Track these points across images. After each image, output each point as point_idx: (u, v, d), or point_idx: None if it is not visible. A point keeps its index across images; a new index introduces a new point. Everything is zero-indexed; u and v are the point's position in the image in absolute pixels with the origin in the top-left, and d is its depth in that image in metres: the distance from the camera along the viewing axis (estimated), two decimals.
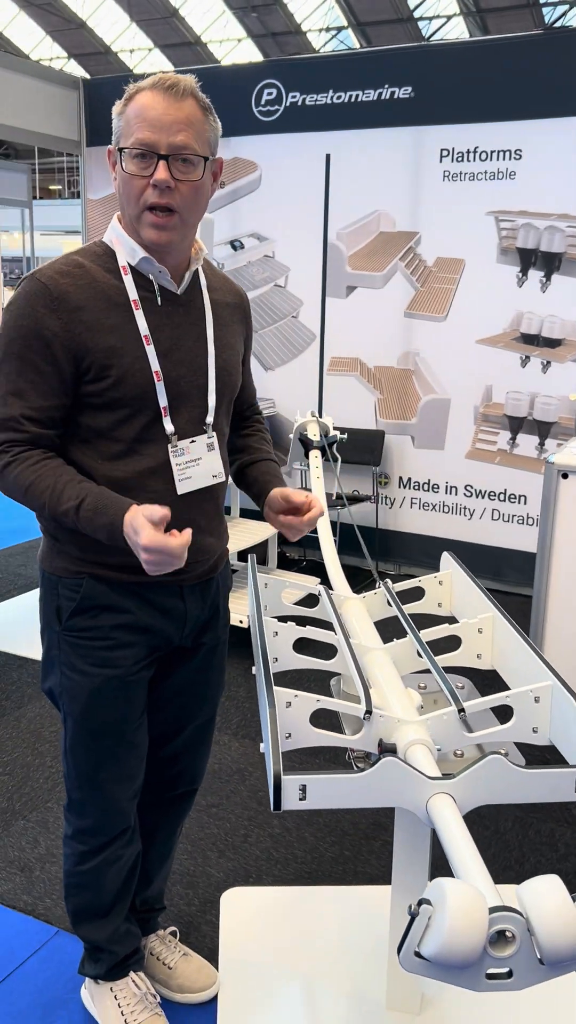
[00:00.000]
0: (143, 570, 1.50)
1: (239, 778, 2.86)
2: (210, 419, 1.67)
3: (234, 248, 4.86)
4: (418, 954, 1.07)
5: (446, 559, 2.23)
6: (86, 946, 1.91)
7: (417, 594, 2.16)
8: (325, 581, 2.32)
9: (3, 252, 14.80)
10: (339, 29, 23.88)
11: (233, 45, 25.37)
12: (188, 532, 1.43)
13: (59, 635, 1.68)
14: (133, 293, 1.57)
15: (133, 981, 1.90)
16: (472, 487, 4.61)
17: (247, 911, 2.26)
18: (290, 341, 4.84)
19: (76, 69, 25.79)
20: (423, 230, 4.46)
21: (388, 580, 2.16)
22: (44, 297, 1.50)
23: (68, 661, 1.68)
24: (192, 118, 1.50)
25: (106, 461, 1.58)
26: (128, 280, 1.57)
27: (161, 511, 1.42)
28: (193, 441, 1.64)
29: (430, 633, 1.92)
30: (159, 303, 1.60)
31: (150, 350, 1.57)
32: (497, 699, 1.55)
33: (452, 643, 1.90)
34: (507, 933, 1.07)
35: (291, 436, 3.03)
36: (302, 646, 1.84)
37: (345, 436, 3.22)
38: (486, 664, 1.90)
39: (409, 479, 4.76)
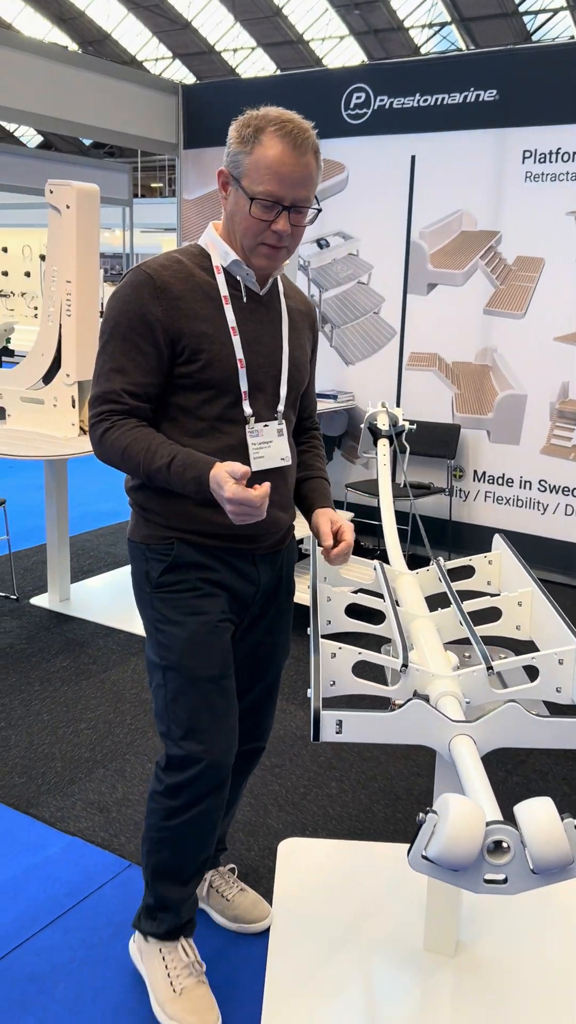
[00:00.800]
0: (224, 536, 1.77)
1: (302, 743, 3.05)
2: (281, 407, 1.87)
3: (320, 246, 5.05)
4: (425, 857, 1.24)
5: (497, 541, 2.38)
6: (149, 903, 1.98)
7: (468, 573, 2.32)
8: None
9: (104, 248, 15.30)
10: (442, 25, 23.79)
11: (335, 43, 25.53)
12: (267, 485, 1.60)
13: (150, 596, 1.86)
14: (224, 290, 1.78)
15: (183, 947, 1.98)
16: (546, 482, 4.69)
17: (301, 859, 2.45)
18: (371, 336, 5.00)
19: (180, 69, 26.35)
20: (504, 230, 4.57)
21: (440, 559, 2.32)
22: (149, 286, 1.71)
23: (162, 616, 1.84)
24: (312, 173, 1.71)
25: (190, 438, 1.77)
26: (220, 278, 1.78)
27: (243, 468, 1.60)
28: (266, 425, 1.84)
29: (473, 604, 2.07)
30: (244, 300, 1.80)
31: (236, 340, 1.77)
32: (524, 660, 1.71)
33: (494, 615, 2.06)
34: (503, 844, 1.24)
35: (362, 426, 3.20)
36: (357, 614, 2.02)
37: (414, 426, 3.38)
38: (525, 635, 2.04)
39: (484, 473, 4.87)
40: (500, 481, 4.83)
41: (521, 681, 1.84)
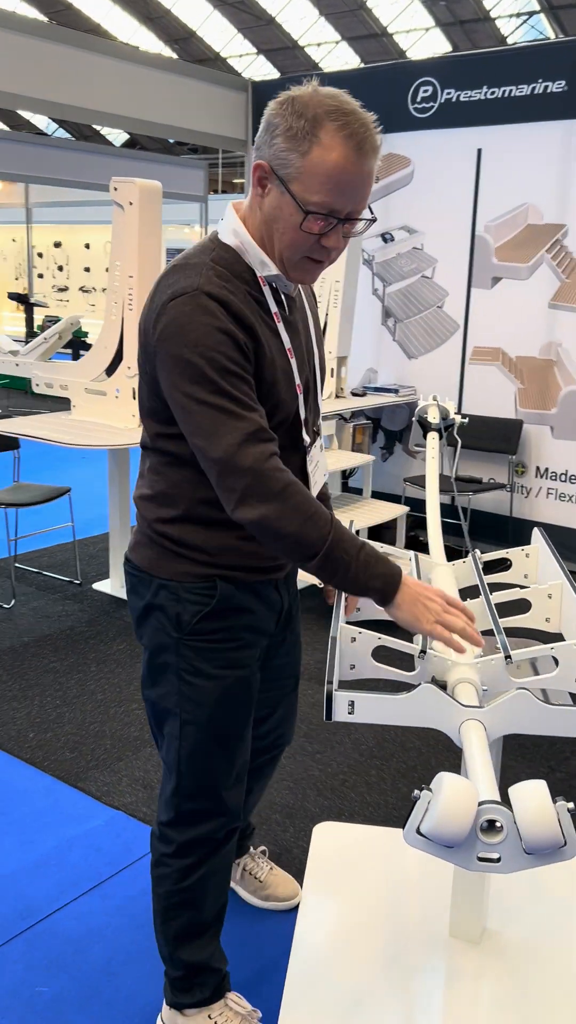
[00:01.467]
0: (265, 569, 1.63)
1: (344, 732, 3.10)
2: (320, 420, 1.70)
3: (385, 241, 5.07)
4: (420, 833, 1.28)
5: (536, 535, 2.38)
6: (185, 972, 1.79)
7: (506, 566, 2.33)
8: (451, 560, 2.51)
9: (181, 244, 15.54)
10: (530, 14, 23.37)
11: (420, 35, 25.33)
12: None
13: (178, 641, 1.64)
14: (274, 306, 1.54)
15: (232, 1002, 1.84)
16: None
17: (334, 842, 2.50)
18: (434, 330, 5.00)
19: (264, 65, 26.48)
20: (571, 223, 4.51)
21: (477, 551, 2.34)
22: (222, 312, 1.43)
23: (191, 667, 1.64)
24: (373, 179, 1.46)
25: None
26: (267, 293, 1.53)
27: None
28: (315, 445, 1.68)
29: (504, 596, 2.09)
30: (287, 313, 1.59)
31: (294, 363, 1.57)
32: (542, 650, 1.72)
33: (525, 607, 2.07)
34: (496, 823, 1.27)
35: (412, 419, 3.23)
36: None
37: (466, 420, 3.38)
38: (554, 627, 2.05)
39: (546, 469, 4.83)
40: (563, 478, 4.78)
41: (550, 671, 1.86)
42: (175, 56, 25.92)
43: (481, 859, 1.29)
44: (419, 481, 4.80)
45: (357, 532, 4.66)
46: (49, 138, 9.51)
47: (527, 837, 1.24)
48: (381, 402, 4.68)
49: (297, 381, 1.58)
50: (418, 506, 5.04)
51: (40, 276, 14.55)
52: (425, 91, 4.81)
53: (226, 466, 1.42)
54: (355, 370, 5.24)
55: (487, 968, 2.06)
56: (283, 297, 1.58)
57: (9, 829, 2.51)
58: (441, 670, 1.74)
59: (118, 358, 3.78)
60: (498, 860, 1.29)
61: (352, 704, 1.56)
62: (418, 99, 4.84)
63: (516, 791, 1.27)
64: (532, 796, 1.25)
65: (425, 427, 3.23)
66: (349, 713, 1.57)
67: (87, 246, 14.55)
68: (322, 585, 1.85)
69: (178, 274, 1.47)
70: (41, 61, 4.35)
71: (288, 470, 1.46)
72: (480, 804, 1.27)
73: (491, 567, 2.34)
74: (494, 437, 4.79)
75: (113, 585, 4.30)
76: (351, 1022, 1.90)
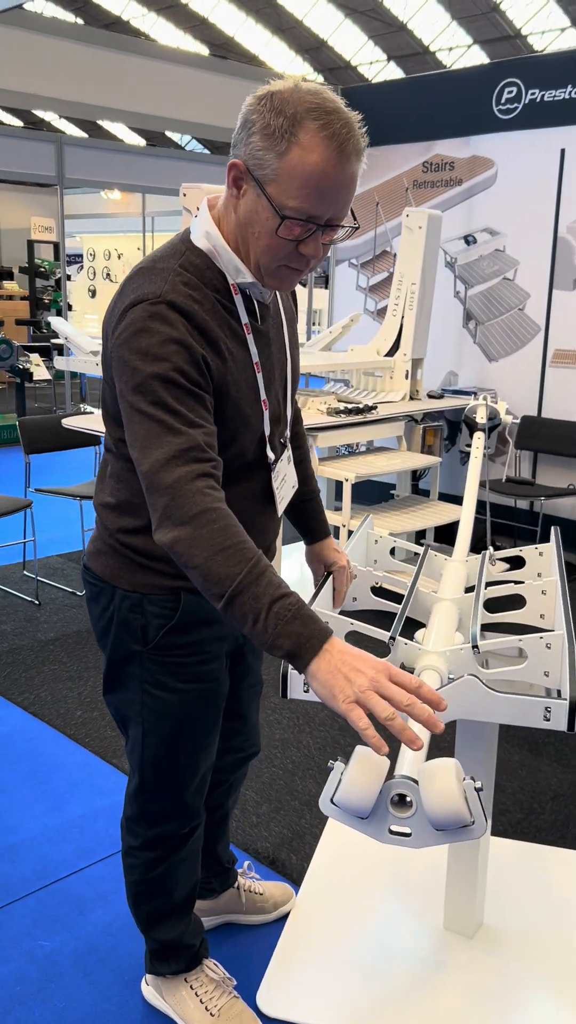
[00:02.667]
0: None
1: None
2: (288, 432, 1.66)
3: (467, 243, 5.04)
4: (333, 802, 1.33)
5: (554, 532, 2.37)
6: (158, 946, 1.85)
7: (520, 563, 2.32)
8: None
9: None
10: None
11: (555, 35, 24.78)
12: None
13: (142, 654, 1.60)
14: (245, 316, 1.47)
15: (208, 968, 1.89)
16: None
17: (345, 835, 2.55)
18: (515, 333, 4.94)
19: (395, 71, 26.47)
20: None
21: (490, 548, 2.34)
22: (183, 324, 1.36)
23: (155, 680, 1.61)
24: (356, 183, 1.37)
25: None
26: (239, 302, 1.46)
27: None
28: (281, 460, 1.63)
29: (499, 590, 2.10)
30: (259, 323, 1.52)
31: (260, 378, 1.50)
32: (510, 641, 1.73)
33: (520, 603, 2.07)
34: (407, 798, 1.31)
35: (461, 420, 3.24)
36: (387, 596, 2.09)
37: (517, 420, 3.36)
38: (548, 624, 2.04)
39: None
40: None
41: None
42: (307, 67, 26.26)
43: (394, 832, 1.33)
44: (503, 488, 4.73)
45: (422, 534, 4.66)
46: (158, 148, 9.84)
47: (430, 812, 1.27)
48: (444, 405, 4.66)
49: (263, 396, 1.51)
50: (497, 512, 4.99)
51: None
52: (510, 92, 4.78)
53: (151, 482, 1.32)
54: (435, 372, 5.24)
55: (475, 961, 2.07)
56: (256, 305, 1.51)
57: (43, 796, 2.67)
58: (411, 657, 1.77)
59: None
60: (409, 835, 1.32)
61: (307, 683, 1.62)
62: (502, 100, 4.81)
63: (423, 768, 1.30)
64: (438, 773, 1.28)
65: (471, 427, 3.24)
66: (305, 691, 1.62)
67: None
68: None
69: (143, 278, 1.40)
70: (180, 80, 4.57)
71: (215, 495, 1.32)
72: (391, 779, 1.31)
73: (512, 565, 2.34)
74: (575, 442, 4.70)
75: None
76: (326, 1000, 1.95)
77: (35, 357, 8.67)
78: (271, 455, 1.58)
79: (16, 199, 18.46)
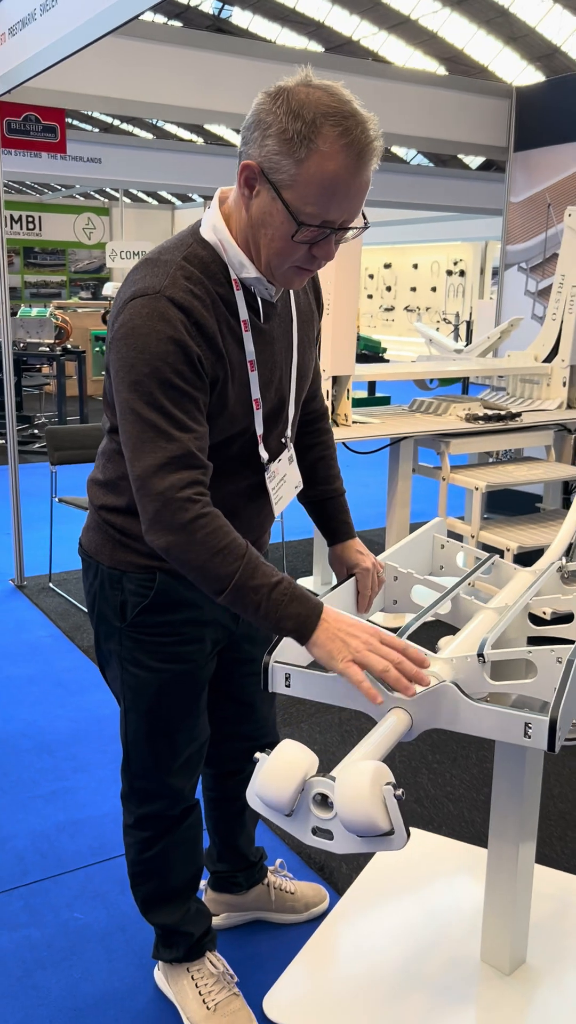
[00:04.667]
0: None
1: (485, 750, 2.98)
2: (290, 432, 1.64)
3: None
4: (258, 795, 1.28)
5: None
6: (159, 932, 1.87)
7: None
8: None
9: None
10: None
11: None
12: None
13: (121, 630, 1.63)
14: (244, 313, 1.46)
15: (211, 961, 1.88)
16: None
17: (407, 849, 2.44)
18: None
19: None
20: None
21: (563, 559, 2.17)
22: (182, 321, 1.36)
23: (132, 657, 1.64)
24: (369, 184, 1.37)
25: None
26: (240, 299, 1.45)
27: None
28: (279, 460, 1.62)
29: (547, 602, 1.94)
30: (261, 321, 1.50)
31: (253, 377, 1.49)
32: (519, 652, 1.60)
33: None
34: (328, 799, 1.24)
35: None
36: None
37: None
38: None
39: None
40: None
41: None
42: (540, 75, 25.54)
43: (318, 833, 1.26)
44: None
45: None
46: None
47: (341, 816, 1.21)
48: None
49: (255, 395, 1.50)
50: None
51: (369, 297, 15.10)
52: None
53: (141, 486, 1.37)
54: None
55: (504, 999, 1.92)
56: (260, 303, 1.50)
57: (117, 775, 2.75)
58: None
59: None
60: (331, 836, 1.26)
61: (288, 677, 1.57)
62: None
63: (340, 767, 1.23)
64: (352, 774, 1.21)
65: None
66: (286, 686, 1.58)
67: (415, 266, 14.90)
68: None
69: (146, 270, 1.41)
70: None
71: (203, 500, 1.37)
72: (313, 776, 1.25)
73: None
74: None
75: (315, 582, 4.44)
76: (333, 1016, 1.87)
77: None
78: (264, 454, 1.57)
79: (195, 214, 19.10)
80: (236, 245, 1.43)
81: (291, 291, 1.59)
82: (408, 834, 1.20)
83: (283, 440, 1.63)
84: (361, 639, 1.38)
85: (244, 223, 1.41)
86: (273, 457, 1.60)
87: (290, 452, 1.65)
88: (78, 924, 2.13)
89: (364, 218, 1.41)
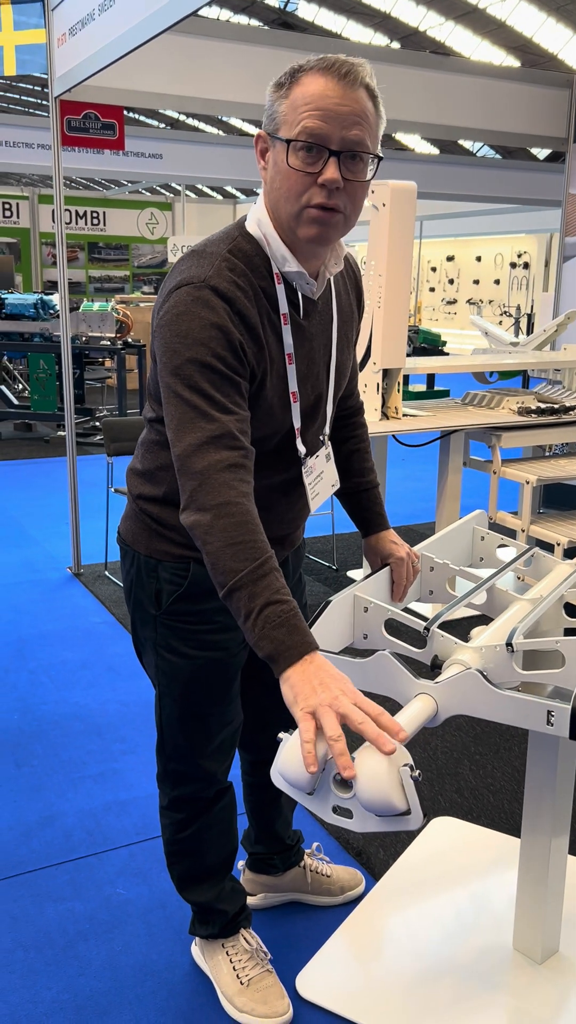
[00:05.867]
0: None
1: (516, 736, 2.97)
2: (327, 429, 1.66)
3: None
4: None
5: None
6: (195, 909, 1.92)
7: None
8: None
9: None
10: None
11: None
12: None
13: (156, 618, 1.67)
14: (284, 306, 1.48)
15: (245, 938, 1.92)
16: None
17: (447, 836, 2.46)
18: None
19: None
20: None
21: None
22: (225, 309, 1.39)
23: (166, 644, 1.68)
24: (366, 111, 1.36)
25: None
26: (281, 292, 1.47)
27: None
28: (316, 456, 1.64)
29: None
30: (300, 315, 1.52)
31: (291, 369, 1.51)
32: (547, 642, 1.61)
33: None
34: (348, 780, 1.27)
35: None
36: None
37: None
38: None
39: None
40: None
41: None
42: (517, 64, 25.01)
43: (338, 811, 1.30)
44: None
45: None
46: (414, 154, 9.83)
47: (360, 795, 1.24)
48: None
49: (292, 388, 1.52)
50: None
51: (431, 290, 15.00)
52: None
53: (183, 465, 1.37)
54: None
55: (534, 987, 1.94)
56: (301, 300, 1.51)
57: None
58: (445, 649, 1.70)
59: (367, 356, 3.95)
60: (351, 816, 1.29)
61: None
62: None
63: (360, 749, 1.26)
64: (372, 756, 1.24)
65: None
66: None
67: (478, 259, 14.75)
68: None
69: (192, 261, 1.44)
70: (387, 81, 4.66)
71: (240, 488, 1.35)
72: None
73: None
74: None
75: (364, 574, 4.46)
76: (365, 996, 1.91)
77: None
78: (301, 448, 1.59)
79: None
80: (279, 239, 1.46)
81: (334, 291, 1.61)
82: (424, 814, 1.23)
83: (320, 437, 1.66)
84: (332, 693, 1.24)
85: (271, 199, 1.44)
86: (310, 452, 1.63)
87: (327, 450, 1.68)
88: (120, 899, 2.21)
89: (379, 158, 1.40)
